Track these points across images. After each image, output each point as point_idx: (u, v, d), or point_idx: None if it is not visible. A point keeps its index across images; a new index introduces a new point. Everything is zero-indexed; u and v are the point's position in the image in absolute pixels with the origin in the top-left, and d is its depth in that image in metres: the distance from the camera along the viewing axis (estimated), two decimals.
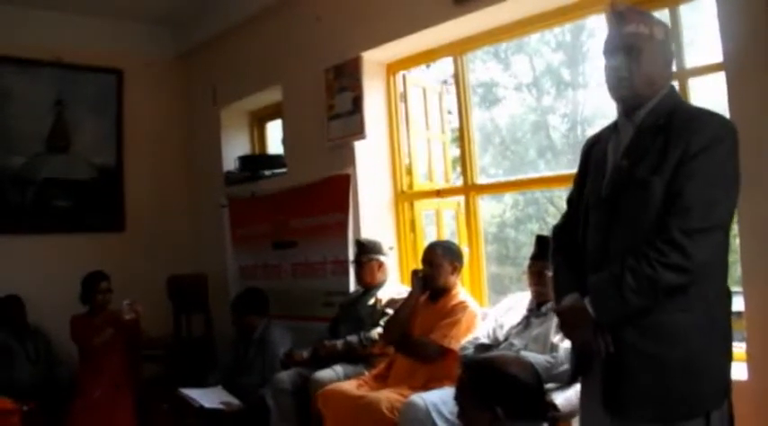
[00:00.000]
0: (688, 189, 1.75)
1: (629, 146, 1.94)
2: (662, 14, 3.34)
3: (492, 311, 3.42)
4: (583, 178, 2.11)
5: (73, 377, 4.38)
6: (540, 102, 8.63)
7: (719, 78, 2.86)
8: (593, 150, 2.12)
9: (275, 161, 5.34)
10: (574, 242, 2.05)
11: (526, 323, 3.12)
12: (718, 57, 2.88)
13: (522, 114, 8.63)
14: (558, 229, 2.18)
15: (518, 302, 3.32)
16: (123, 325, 4.19)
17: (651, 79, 1.95)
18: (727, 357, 1.91)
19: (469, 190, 4.22)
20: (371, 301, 3.98)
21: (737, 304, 2.43)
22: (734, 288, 2.49)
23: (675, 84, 3.23)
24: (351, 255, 4.33)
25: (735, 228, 2.75)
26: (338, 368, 3.76)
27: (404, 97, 4.53)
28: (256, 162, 5.46)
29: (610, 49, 1.96)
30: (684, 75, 3.25)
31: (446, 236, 4.44)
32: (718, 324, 1.86)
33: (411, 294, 3.64)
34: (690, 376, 1.80)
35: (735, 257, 2.77)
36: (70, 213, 5.37)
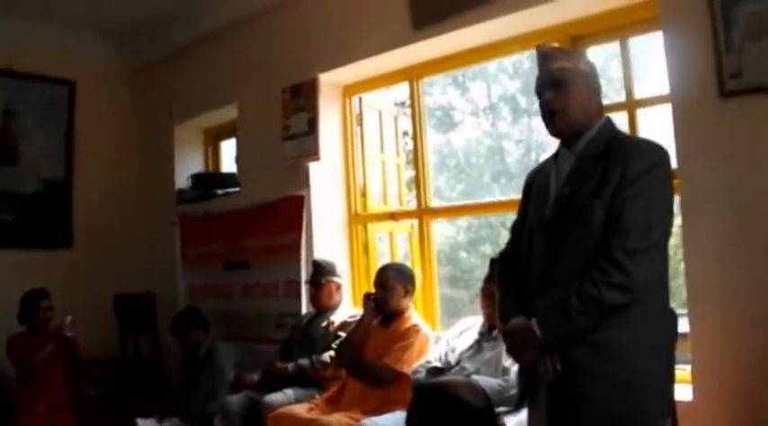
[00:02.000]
0: (627, 212, 1.82)
1: (570, 174, 2.02)
2: (612, 46, 3.45)
3: (444, 334, 3.43)
4: (526, 206, 2.17)
5: (12, 396, 4.23)
6: (495, 127, 8.72)
7: (667, 109, 2.95)
8: (536, 180, 2.19)
9: (229, 180, 5.28)
10: (518, 267, 2.10)
11: (478, 346, 3.13)
12: (664, 89, 2.96)
13: (477, 139, 8.70)
14: (502, 255, 2.26)
15: (470, 325, 3.33)
16: (64, 341, 4.10)
17: (584, 108, 2.04)
18: (670, 376, 1.97)
19: (423, 213, 4.25)
20: (324, 324, 3.96)
21: (683, 325, 2.48)
22: (680, 310, 2.53)
23: (623, 114, 3.33)
24: (304, 276, 4.31)
25: (680, 253, 2.84)
26: (289, 392, 3.71)
27: (360, 119, 4.55)
28: (209, 180, 5.38)
29: (541, 87, 2.07)
30: (633, 105, 3.32)
31: (399, 259, 4.45)
32: (660, 343, 1.93)
33: (363, 317, 3.64)
34: (634, 394, 1.85)
35: (681, 280, 2.85)
36: (14, 228, 5.20)
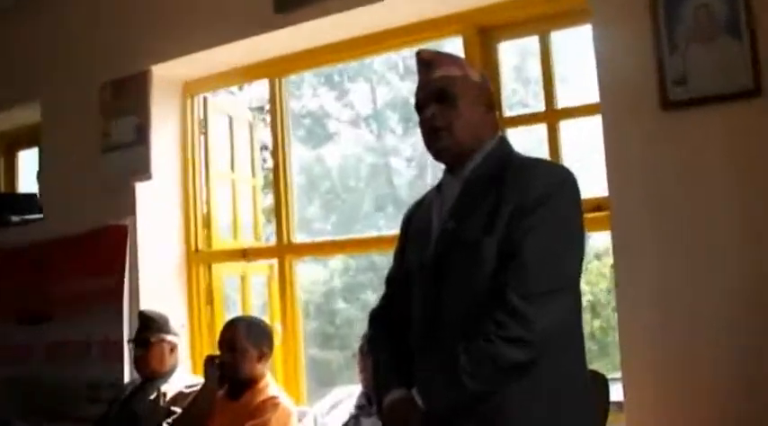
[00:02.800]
0: (525, 246, 1.88)
1: (456, 205, 2.06)
2: (530, 42, 3.51)
3: (312, 410, 3.41)
4: (404, 249, 2.24)
5: None
6: (381, 140, 8.87)
7: (596, 122, 2.98)
8: (416, 216, 2.25)
9: (27, 203, 5.07)
10: (397, 326, 2.15)
11: (354, 423, 3.12)
12: (594, 96, 3.00)
13: (358, 155, 8.82)
14: (376, 313, 2.28)
15: (345, 397, 3.31)
16: None
17: (474, 127, 2.10)
18: None
19: (286, 251, 4.25)
20: (153, 396, 3.77)
21: (616, 393, 2.54)
22: (612, 375, 2.60)
23: (542, 127, 3.38)
24: (126, 334, 4.16)
25: (612, 300, 2.89)
26: None
27: (204, 127, 4.53)
28: (1, 203, 5.14)
29: (421, 100, 2.13)
30: (554, 116, 3.37)
31: (254, 311, 4.43)
32: (576, 413, 1.94)
33: (205, 387, 3.52)
34: None
35: (613, 336, 2.91)
36: None
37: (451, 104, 2.08)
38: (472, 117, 2.09)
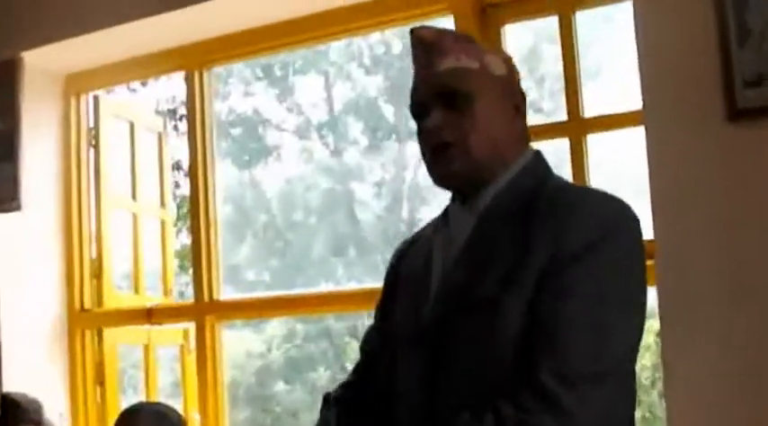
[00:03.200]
0: (563, 314, 1.83)
1: (467, 249, 2.01)
2: (548, 23, 3.53)
3: None
4: (389, 306, 2.20)
5: None
6: (340, 157, 8.84)
7: (638, 136, 2.97)
8: (407, 262, 2.20)
9: None
10: (371, 415, 2.14)
11: None
12: (635, 101, 2.99)
13: (307, 177, 8.78)
14: (339, 394, 2.26)
15: None
16: None
17: (495, 141, 2.04)
18: None
19: (207, 310, 4.24)
20: None
21: None
22: None
23: (563, 143, 3.38)
24: None
25: (658, 382, 2.88)
26: None
27: (95, 137, 4.50)
28: None
29: (420, 103, 2.09)
30: (579, 127, 3.39)
31: (162, 396, 4.42)
32: None
33: None
34: None
35: None
36: None
37: (465, 110, 2.02)
38: (494, 127, 2.04)
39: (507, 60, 2.12)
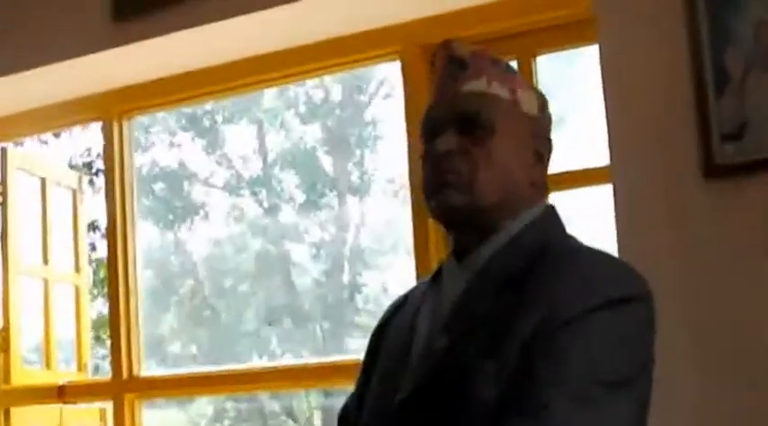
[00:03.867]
0: (545, 375, 1.78)
1: (454, 314, 1.96)
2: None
3: None
4: (369, 377, 2.15)
5: None
6: (274, 216, 8.82)
7: (604, 193, 3.01)
8: (392, 328, 2.16)
9: None
10: None
11: None
12: (600, 156, 3.04)
13: (238, 238, 8.74)
14: None
15: None
16: None
17: (506, 184, 1.98)
18: None
19: (126, 387, 4.22)
20: None
21: None
22: None
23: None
24: None
25: None
26: None
27: (2, 194, 4.52)
28: None
29: (434, 123, 2.03)
30: None
31: None
32: None
33: None
34: None
35: None
36: None
37: (482, 141, 1.97)
38: (509, 168, 2.00)
39: (542, 101, 2.10)
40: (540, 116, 2.07)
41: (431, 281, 2.12)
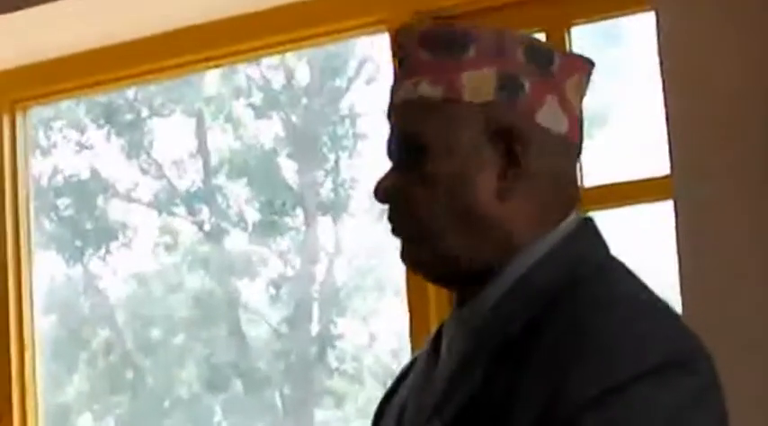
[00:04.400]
0: None
1: (451, 381, 1.96)
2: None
3: None
4: None
5: None
6: (218, 243, 8.72)
7: (657, 210, 3.08)
8: (392, 406, 2.16)
9: None
10: None
11: None
12: (659, 160, 3.04)
13: (171, 274, 8.66)
14: None
15: None
16: None
17: (473, 211, 1.95)
18: None
19: None
20: None
21: None
22: None
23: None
24: None
25: None
26: None
27: None
28: None
29: (387, 149, 2.07)
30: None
31: None
32: None
33: None
34: None
35: None
36: None
37: (420, 166, 1.94)
38: (466, 192, 1.95)
39: (510, 71, 1.97)
40: (501, 96, 1.97)
41: (434, 337, 2.10)
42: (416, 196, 1.93)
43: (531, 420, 1.77)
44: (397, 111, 2.00)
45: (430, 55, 2.01)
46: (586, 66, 2.06)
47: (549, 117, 1.97)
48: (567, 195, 1.99)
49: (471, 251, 1.94)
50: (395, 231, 1.99)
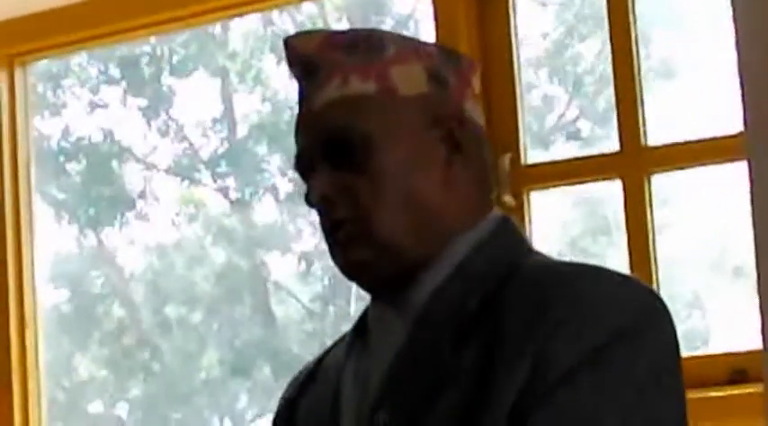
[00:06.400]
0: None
1: (393, 374, 2.05)
2: None
3: None
4: None
5: None
6: (246, 212, 8.78)
7: (727, 171, 3.08)
8: (306, 404, 2.24)
9: None
10: None
11: None
12: (731, 118, 3.07)
13: (192, 245, 8.71)
14: None
15: None
16: None
17: (419, 210, 2.07)
18: None
19: None
20: None
21: None
22: None
23: (614, 186, 3.43)
24: None
25: None
26: None
27: None
28: None
29: (303, 155, 2.15)
30: (639, 162, 3.44)
31: None
32: None
33: None
34: None
35: None
36: None
37: (362, 163, 2.04)
38: (414, 186, 2.06)
39: (433, 63, 2.14)
40: (434, 88, 2.10)
41: (352, 337, 2.18)
42: (362, 191, 2.02)
43: (514, 391, 1.85)
44: (320, 116, 2.07)
45: (348, 56, 2.11)
46: (476, 67, 2.24)
47: (472, 110, 2.16)
48: (490, 187, 2.17)
49: (415, 241, 2.05)
50: (336, 234, 2.05)
